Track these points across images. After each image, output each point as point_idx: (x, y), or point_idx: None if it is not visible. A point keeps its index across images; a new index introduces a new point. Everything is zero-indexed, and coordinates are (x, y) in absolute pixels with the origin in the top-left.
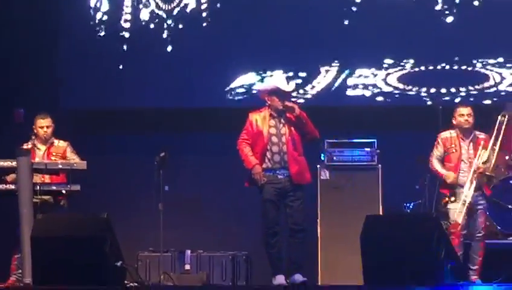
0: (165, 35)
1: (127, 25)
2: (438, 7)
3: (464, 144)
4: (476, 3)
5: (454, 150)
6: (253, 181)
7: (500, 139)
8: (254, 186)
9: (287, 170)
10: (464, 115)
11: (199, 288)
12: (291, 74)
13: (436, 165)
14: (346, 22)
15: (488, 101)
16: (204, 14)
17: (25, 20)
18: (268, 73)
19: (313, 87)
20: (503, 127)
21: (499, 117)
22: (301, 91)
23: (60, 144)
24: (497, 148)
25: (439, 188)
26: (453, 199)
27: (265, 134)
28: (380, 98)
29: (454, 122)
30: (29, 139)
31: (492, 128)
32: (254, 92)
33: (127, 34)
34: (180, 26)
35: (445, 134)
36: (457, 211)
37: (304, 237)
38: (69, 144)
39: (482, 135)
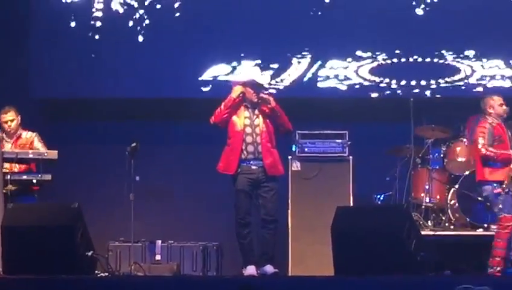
0: (136, 26)
1: (98, 14)
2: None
3: (507, 131)
4: None
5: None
6: (234, 149)
7: None
8: (230, 176)
9: (260, 161)
10: (503, 104)
11: (170, 278)
12: (263, 65)
13: (495, 150)
14: (319, 14)
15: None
16: (176, 5)
17: None
18: (241, 64)
19: (285, 78)
20: None
21: None
22: (273, 82)
23: (27, 135)
24: None
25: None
26: (507, 190)
27: (241, 124)
28: (351, 90)
29: (491, 110)
30: None
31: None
32: (227, 83)
33: (98, 24)
34: (152, 16)
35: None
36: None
37: (275, 227)
38: (37, 135)
39: None
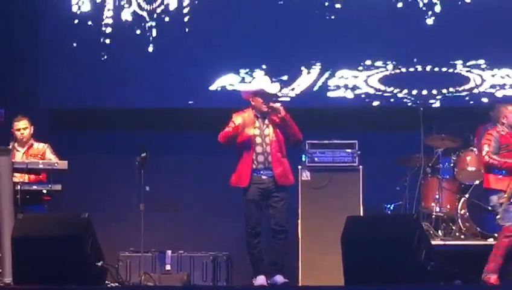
0: (146, 36)
1: (108, 25)
2: (419, 9)
3: None
4: (456, 6)
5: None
6: (246, 162)
7: None
8: (241, 188)
9: (270, 171)
10: None
11: (180, 288)
12: (272, 74)
13: (500, 159)
14: (328, 23)
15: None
16: (185, 16)
17: (3, 19)
18: (251, 73)
19: (294, 88)
20: None
21: None
22: (283, 92)
23: (39, 146)
24: None
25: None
26: None
27: (250, 135)
28: (361, 100)
29: (504, 120)
30: (10, 141)
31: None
32: (236, 93)
33: (108, 34)
34: (162, 26)
35: (498, 131)
36: None
37: (285, 237)
38: (49, 146)
39: None
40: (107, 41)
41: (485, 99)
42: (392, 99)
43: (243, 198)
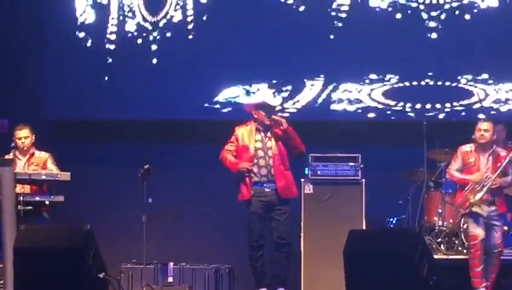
0: (150, 48)
1: (112, 37)
2: (423, 23)
3: (483, 157)
4: (460, 20)
5: (473, 164)
6: (244, 175)
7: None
8: (245, 201)
9: (273, 184)
10: (481, 130)
11: None
12: (276, 87)
13: (458, 174)
14: (331, 37)
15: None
16: (190, 27)
17: (7, 30)
18: (254, 86)
19: (298, 101)
20: None
21: None
22: (286, 105)
23: (41, 155)
24: None
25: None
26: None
27: (252, 148)
28: (364, 113)
29: (473, 136)
30: (11, 150)
31: None
32: (239, 106)
33: (112, 46)
34: (166, 38)
35: (464, 148)
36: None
37: (288, 251)
38: (50, 156)
39: (503, 152)
40: (111, 53)
41: (492, 112)
42: (395, 113)
43: (246, 210)
